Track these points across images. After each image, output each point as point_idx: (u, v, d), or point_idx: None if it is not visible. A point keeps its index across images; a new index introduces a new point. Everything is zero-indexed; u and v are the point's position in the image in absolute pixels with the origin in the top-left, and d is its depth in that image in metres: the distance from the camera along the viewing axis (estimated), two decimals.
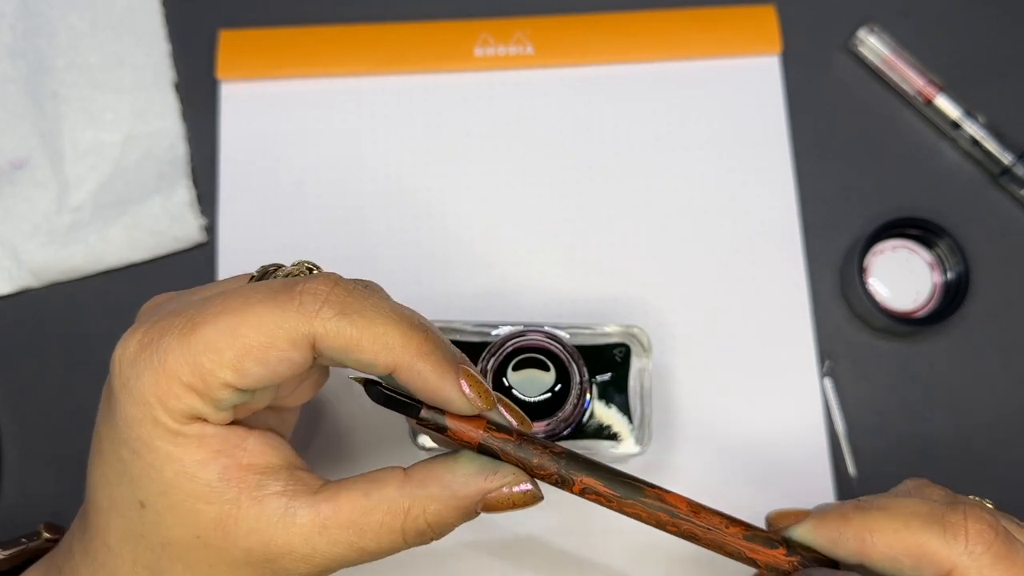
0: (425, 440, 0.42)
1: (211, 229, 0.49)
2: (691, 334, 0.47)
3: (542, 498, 0.31)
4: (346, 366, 0.30)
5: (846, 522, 0.32)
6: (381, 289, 0.32)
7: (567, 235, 0.48)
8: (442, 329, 0.41)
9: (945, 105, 0.49)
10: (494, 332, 0.41)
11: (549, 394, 0.38)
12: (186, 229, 0.48)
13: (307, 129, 0.50)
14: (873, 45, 0.50)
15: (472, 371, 0.31)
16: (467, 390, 0.30)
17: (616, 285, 0.47)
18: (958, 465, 0.46)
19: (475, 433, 0.31)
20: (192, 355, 0.28)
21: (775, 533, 0.33)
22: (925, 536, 0.30)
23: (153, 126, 0.50)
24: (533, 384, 0.38)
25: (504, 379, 0.38)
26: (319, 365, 0.35)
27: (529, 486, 0.31)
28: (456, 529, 0.32)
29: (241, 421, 0.32)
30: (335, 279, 0.30)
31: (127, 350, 0.29)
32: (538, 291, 0.47)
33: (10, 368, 0.48)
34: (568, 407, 0.37)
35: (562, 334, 0.40)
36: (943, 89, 0.49)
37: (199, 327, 0.29)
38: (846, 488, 0.45)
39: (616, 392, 0.41)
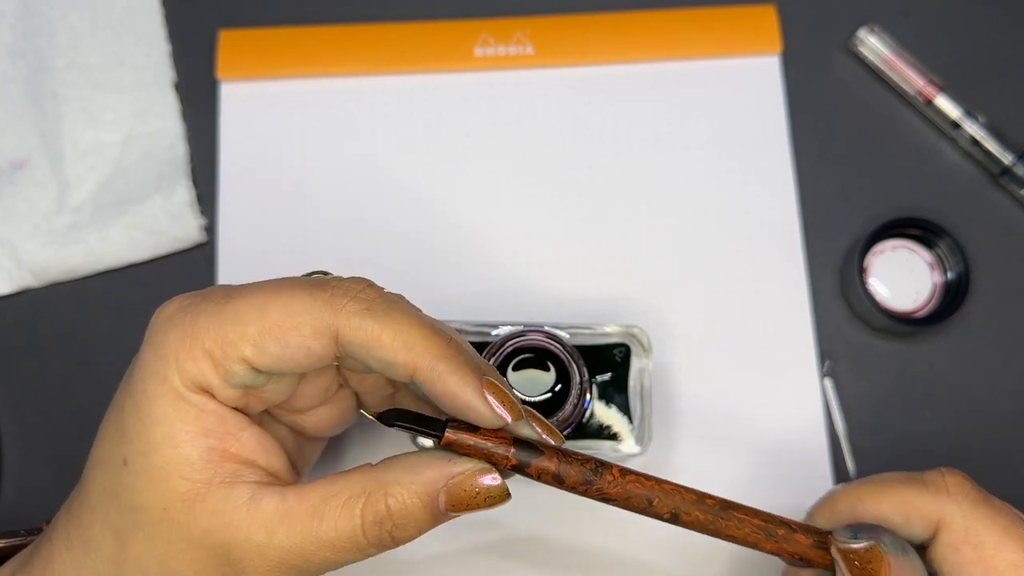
0: (424, 440, 0.42)
1: (211, 229, 0.49)
2: (691, 334, 0.47)
3: (510, 497, 0.30)
4: (369, 366, 0.30)
5: (836, 500, 0.35)
6: (407, 300, 0.31)
7: (567, 235, 0.48)
8: None
9: (945, 105, 0.49)
10: (494, 332, 0.41)
11: (549, 394, 0.38)
12: (186, 229, 0.48)
13: (307, 129, 0.50)
14: (873, 45, 0.50)
15: (497, 382, 0.30)
16: (491, 399, 0.29)
17: (616, 285, 0.47)
18: (958, 465, 0.46)
19: (505, 451, 0.30)
20: (220, 323, 0.29)
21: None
22: (910, 493, 0.33)
23: (153, 126, 0.50)
24: (533, 384, 0.38)
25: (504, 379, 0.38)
26: (347, 395, 0.36)
27: (496, 480, 0.30)
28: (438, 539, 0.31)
29: (250, 416, 0.31)
30: (368, 282, 0.30)
31: (166, 309, 0.30)
32: (538, 291, 0.47)
33: (10, 368, 0.48)
34: (568, 407, 0.37)
35: (562, 334, 0.40)
36: (943, 89, 0.49)
37: (234, 299, 0.30)
38: None
39: (616, 392, 0.41)
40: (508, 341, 0.38)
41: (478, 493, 0.29)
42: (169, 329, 0.30)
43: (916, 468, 0.45)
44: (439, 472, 0.29)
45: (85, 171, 0.49)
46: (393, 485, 0.29)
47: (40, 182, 0.49)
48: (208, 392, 0.30)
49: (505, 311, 0.47)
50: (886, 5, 0.51)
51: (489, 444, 0.30)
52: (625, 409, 0.41)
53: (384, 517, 0.29)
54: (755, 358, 0.46)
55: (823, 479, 0.45)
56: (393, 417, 0.30)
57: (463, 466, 0.29)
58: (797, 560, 0.33)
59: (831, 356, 0.47)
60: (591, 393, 0.40)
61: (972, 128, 0.49)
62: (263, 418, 0.34)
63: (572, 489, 0.31)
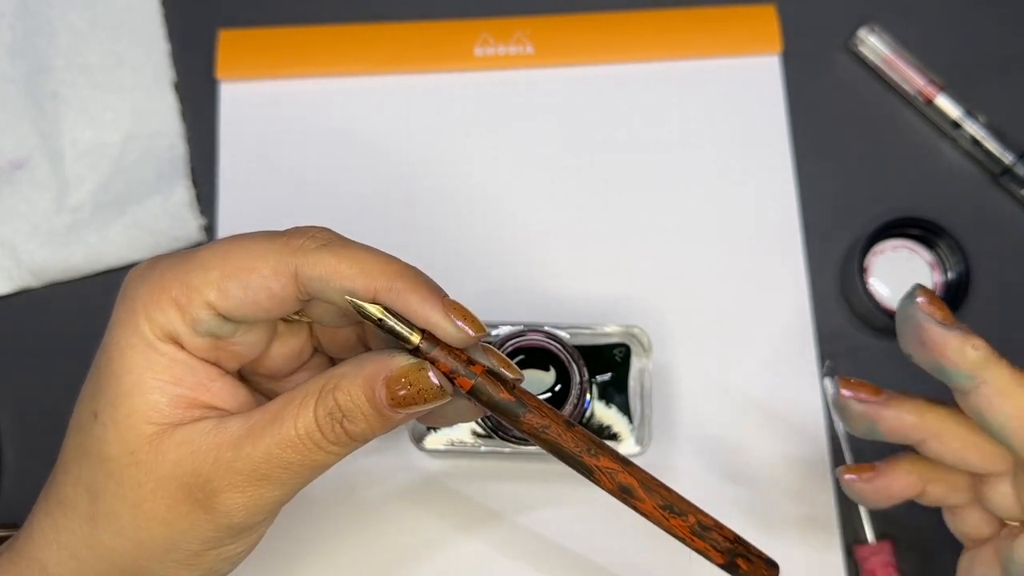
0: (427, 441, 0.42)
1: (210, 229, 0.49)
2: (691, 334, 0.47)
3: (446, 396, 0.30)
4: (332, 301, 0.30)
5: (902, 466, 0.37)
6: None
7: (567, 235, 0.48)
8: None
9: (946, 105, 0.49)
10: (494, 332, 0.41)
11: (549, 394, 0.38)
12: (185, 229, 0.48)
13: (307, 129, 0.50)
14: (873, 45, 0.50)
15: (459, 303, 0.30)
16: (452, 315, 0.30)
17: (616, 285, 0.47)
18: None
19: (468, 372, 0.30)
20: (185, 271, 0.30)
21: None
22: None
23: (153, 126, 0.50)
24: (533, 384, 0.38)
25: None
26: (323, 361, 0.36)
27: (434, 378, 0.30)
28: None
29: (224, 369, 0.32)
30: (326, 228, 0.31)
31: (139, 266, 0.31)
32: (538, 291, 0.47)
33: (10, 368, 0.47)
34: (568, 407, 0.37)
35: (562, 334, 0.40)
36: (943, 89, 0.49)
37: (199, 251, 0.31)
38: None
39: (616, 392, 0.41)
40: (508, 341, 0.38)
41: (411, 385, 0.30)
42: (139, 283, 0.30)
43: None
44: (379, 365, 0.30)
45: (85, 171, 0.49)
46: (340, 379, 0.30)
47: (40, 182, 0.49)
48: (177, 342, 0.30)
49: (505, 311, 0.47)
50: (886, 5, 0.51)
51: (454, 361, 0.30)
52: (625, 409, 0.41)
53: (334, 409, 0.30)
54: (755, 358, 0.46)
55: (823, 479, 0.45)
56: (373, 314, 0.30)
57: (400, 360, 0.30)
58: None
59: (831, 356, 0.47)
60: (591, 393, 0.40)
61: (972, 128, 0.49)
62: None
63: (526, 428, 0.31)
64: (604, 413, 0.41)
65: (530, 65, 0.50)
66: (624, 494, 0.31)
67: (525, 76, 0.50)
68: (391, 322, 0.30)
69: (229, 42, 0.51)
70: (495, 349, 0.32)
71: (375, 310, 0.29)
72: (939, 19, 0.51)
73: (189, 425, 0.30)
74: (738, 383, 0.46)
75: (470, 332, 0.30)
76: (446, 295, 0.30)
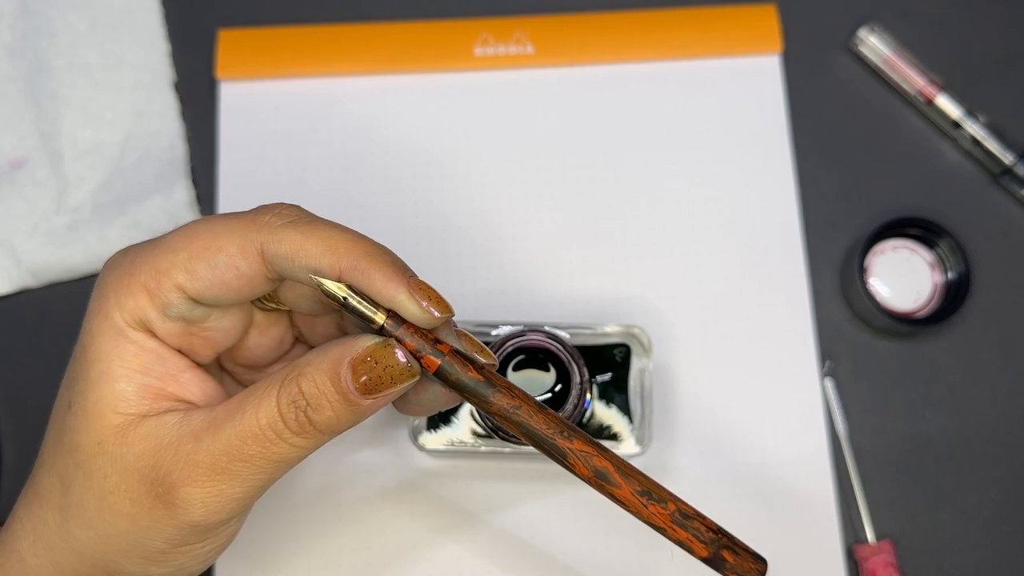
0: (425, 440, 0.42)
1: None
2: (691, 334, 0.47)
3: (415, 376, 0.29)
4: (298, 279, 0.30)
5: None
6: None
7: (567, 235, 0.48)
8: None
9: (946, 105, 0.49)
10: (494, 332, 0.41)
11: (549, 394, 0.38)
12: None
13: (306, 129, 0.50)
14: (874, 45, 0.50)
15: (426, 283, 0.30)
16: (418, 295, 0.29)
17: (616, 285, 0.47)
18: (958, 465, 0.46)
19: (435, 353, 0.29)
20: (153, 255, 0.30)
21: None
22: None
23: (152, 126, 0.50)
24: (533, 384, 0.38)
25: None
26: (305, 351, 0.35)
27: (402, 356, 0.29)
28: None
29: (199, 363, 0.31)
30: (295, 204, 0.31)
31: (113, 256, 0.31)
32: (538, 291, 0.47)
33: (10, 368, 0.47)
34: (568, 407, 0.37)
35: (562, 334, 0.40)
36: (944, 89, 0.49)
37: (168, 235, 0.31)
38: (846, 488, 0.45)
39: (616, 392, 0.41)
40: (508, 341, 0.38)
41: (376, 363, 0.29)
42: (112, 270, 0.30)
43: (916, 468, 0.45)
44: (344, 349, 0.29)
45: (84, 171, 0.49)
46: (305, 367, 0.29)
47: (39, 182, 0.49)
48: (148, 329, 0.30)
49: (505, 311, 0.47)
50: (887, 5, 0.51)
51: (421, 340, 0.29)
52: (625, 409, 0.41)
53: (298, 396, 0.29)
54: (755, 358, 0.46)
55: (824, 479, 0.45)
56: (337, 294, 0.29)
57: (365, 341, 0.29)
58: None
59: (831, 356, 0.47)
60: (591, 393, 0.40)
61: (973, 128, 0.49)
62: (223, 379, 0.35)
63: (496, 410, 0.30)
64: (604, 413, 0.41)
65: (530, 65, 0.50)
66: (599, 480, 0.30)
67: (525, 76, 0.50)
68: (354, 301, 0.29)
69: (229, 42, 0.51)
70: (467, 332, 0.31)
71: (338, 288, 0.29)
72: (939, 19, 0.51)
73: (155, 417, 0.30)
74: (738, 383, 0.46)
75: (435, 313, 0.29)
76: (413, 275, 0.30)
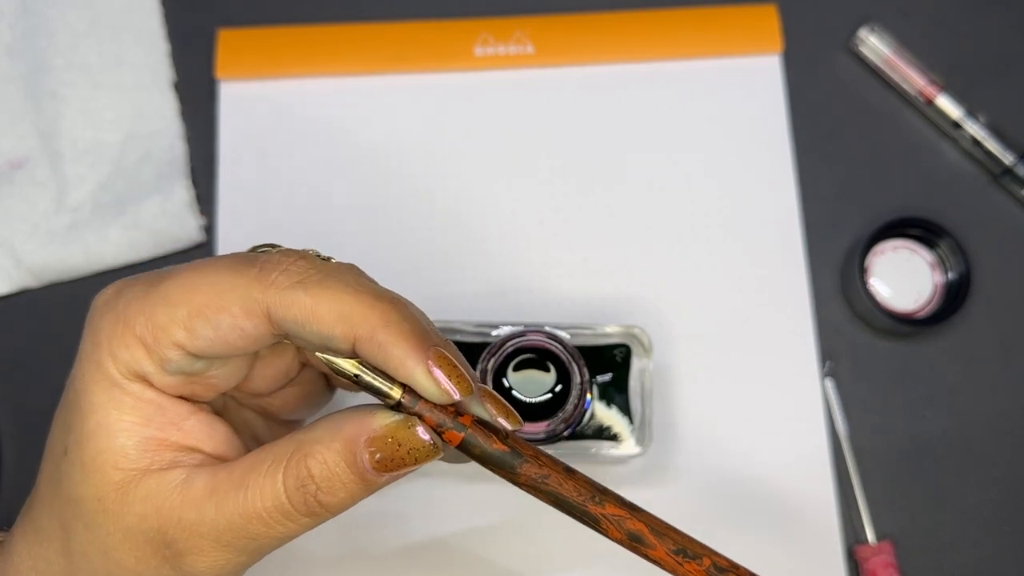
0: None
1: (210, 229, 0.49)
2: (691, 334, 0.47)
3: (438, 452, 0.28)
4: (309, 343, 0.28)
5: None
6: (362, 272, 0.30)
7: (567, 235, 0.48)
8: (442, 329, 0.41)
9: (946, 105, 0.49)
10: (494, 332, 0.41)
11: (549, 394, 0.38)
12: (185, 229, 0.48)
13: (306, 129, 0.50)
14: (874, 45, 0.50)
15: (449, 354, 0.27)
16: (438, 373, 0.27)
17: (616, 285, 0.47)
18: (958, 465, 0.46)
19: (457, 425, 0.28)
20: (150, 306, 0.28)
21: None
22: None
23: (152, 126, 0.50)
24: (533, 384, 0.38)
25: (504, 379, 0.38)
26: (314, 374, 0.34)
27: (424, 434, 0.27)
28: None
29: (200, 403, 0.30)
30: (303, 253, 0.28)
31: (104, 294, 0.29)
32: (538, 291, 0.47)
33: (10, 368, 0.47)
34: (568, 407, 0.37)
35: (562, 334, 0.40)
36: (944, 89, 0.49)
37: (164, 280, 0.28)
38: (846, 488, 0.45)
39: (616, 392, 0.41)
40: (508, 341, 0.38)
41: (399, 447, 0.27)
42: (104, 314, 0.28)
43: (916, 468, 0.45)
44: (359, 426, 0.27)
45: (84, 171, 0.49)
46: (314, 445, 0.27)
47: (39, 182, 0.49)
48: (145, 380, 0.28)
49: (505, 311, 0.47)
50: (887, 5, 0.51)
51: (441, 414, 0.28)
52: (626, 410, 0.41)
53: (306, 480, 0.27)
54: (756, 358, 0.46)
55: (824, 479, 0.45)
56: (348, 372, 0.27)
57: (384, 419, 0.27)
58: None
59: (832, 356, 0.47)
60: (591, 393, 0.40)
61: (973, 128, 0.48)
62: (227, 403, 0.33)
63: (524, 481, 0.29)
64: (604, 413, 0.41)
65: (530, 65, 0.50)
66: (634, 543, 0.29)
67: (525, 76, 0.50)
68: (368, 378, 0.27)
69: (229, 42, 0.51)
70: (491, 391, 0.29)
71: (350, 366, 0.27)
72: (939, 19, 0.51)
73: (156, 475, 0.28)
74: (738, 383, 0.46)
75: (455, 394, 0.27)
76: (434, 343, 0.28)
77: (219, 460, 0.29)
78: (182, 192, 0.48)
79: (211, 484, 0.28)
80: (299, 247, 0.47)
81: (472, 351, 0.40)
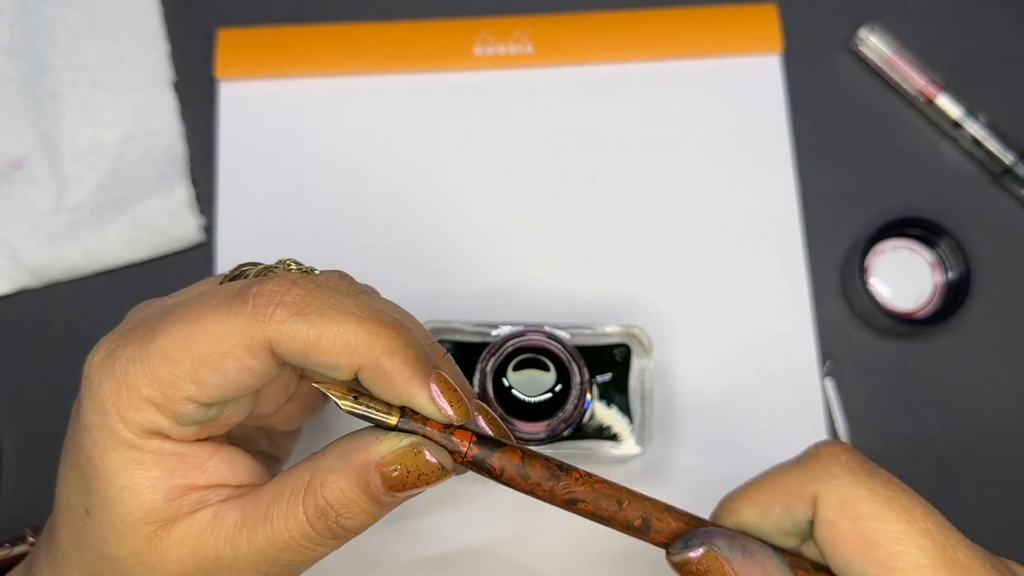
0: None
1: (210, 229, 0.49)
2: (691, 334, 0.47)
3: (451, 471, 0.28)
4: (313, 370, 0.28)
5: (721, 510, 0.31)
6: (352, 282, 0.30)
7: (567, 235, 0.48)
8: (442, 329, 0.41)
9: (946, 105, 0.49)
10: (494, 332, 0.41)
11: (549, 394, 0.38)
12: (185, 229, 0.48)
13: (306, 128, 0.50)
14: (874, 44, 0.50)
15: (448, 377, 0.28)
16: (437, 395, 0.28)
17: (616, 285, 0.47)
18: (958, 465, 0.46)
19: (460, 445, 0.28)
20: (151, 367, 0.27)
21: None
22: (783, 476, 0.30)
23: (152, 125, 0.50)
24: (533, 384, 0.38)
25: (504, 379, 0.38)
26: (310, 386, 0.34)
27: (430, 457, 0.28)
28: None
29: (215, 438, 0.30)
30: (293, 279, 0.28)
31: (96, 355, 0.29)
32: (538, 291, 0.47)
33: (9, 368, 0.47)
34: (568, 407, 0.37)
35: (562, 334, 0.40)
36: (944, 88, 0.49)
37: (157, 336, 0.28)
38: None
39: (616, 392, 0.41)
40: (508, 341, 0.38)
41: (409, 473, 0.27)
42: (102, 380, 0.28)
43: (916, 468, 0.45)
44: (367, 454, 0.27)
45: (84, 171, 0.49)
46: (327, 474, 0.28)
47: (39, 182, 0.49)
48: (162, 435, 0.28)
49: (505, 311, 0.47)
50: (887, 4, 0.51)
51: (438, 435, 0.28)
52: (625, 409, 0.41)
53: (326, 508, 0.28)
54: (756, 358, 0.46)
55: None
56: (347, 400, 0.28)
57: (389, 445, 0.28)
58: None
59: (832, 356, 0.47)
60: (591, 393, 0.40)
61: (973, 128, 0.48)
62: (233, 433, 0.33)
63: (534, 490, 0.29)
64: (604, 413, 0.41)
65: (530, 64, 0.50)
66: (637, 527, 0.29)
67: (525, 75, 0.50)
68: (362, 410, 0.28)
69: (228, 41, 0.51)
70: (484, 407, 0.30)
71: (347, 404, 0.28)
72: (939, 19, 0.51)
73: (186, 519, 0.28)
74: (738, 383, 0.46)
75: (453, 417, 0.28)
76: (434, 365, 0.28)
77: (245, 489, 0.30)
78: (182, 192, 0.48)
79: (239, 519, 0.28)
80: (299, 247, 0.48)
81: (472, 351, 0.40)
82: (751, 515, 0.30)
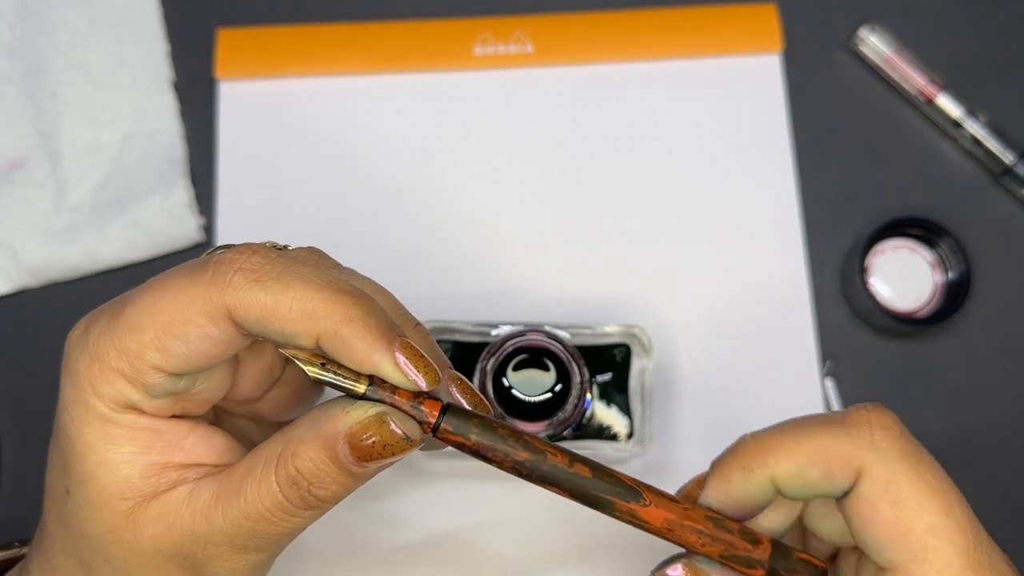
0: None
1: (209, 229, 0.49)
2: (691, 334, 0.47)
3: (419, 442, 0.28)
4: (273, 340, 0.28)
5: (745, 452, 0.29)
6: (323, 256, 0.30)
7: (567, 235, 0.48)
8: (442, 329, 0.41)
9: (946, 104, 0.49)
10: (494, 332, 0.41)
11: (549, 394, 0.38)
12: (184, 229, 0.48)
13: (306, 128, 0.50)
14: (874, 44, 0.50)
15: (416, 344, 0.28)
16: (404, 363, 0.27)
17: (616, 285, 0.47)
18: (958, 465, 0.46)
19: (425, 414, 0.28)
20: (118, 336, 0.27)
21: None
22: (828, 439, 0.28)
23: (151, 125, 0.50)
24: (533, 384, 0.38)
25: (504, 379, 0.38)
26: (298, 371, 0.34)
27: (395, 427, 0.27)
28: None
29: (194, 417, 0.30)
30: (255, 248, 0.28)
31: (74, 332, 0.29)
32: (538, 291, 0.47)
33: (9, 368, 0.47)
34: (568, 407, 0.37)
35: (562, 334, 0.40)
36: (944, 88, 0.49)
37: (126, 307, 0.28)
38: None
39: (616, 392, 0.41)
40: (508, 341, 0.38)
41: (375, 442, 0.27)
42: (78, 355, 0.28)
43: None
44: (335, 424, 0.27)
45: (83, 170, 0.49)
46: (298, 444, 0.27)
47: (38, 182, 0.49)
48: (136, 409, 0.28)
49: (505, 311, 0.47)
50: (887, 4, 0.51)
51: (406, 404, 0.27)
52: (625, 409, 0.41)
53: (297, 478, 0.27)
54: (756, 358, 0.46)
55: None
56: (314, 365, 0.27)
57: (356, 415, 0.27)
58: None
59: (832, 356, 0.47)
60: (591, 393, 0.40)
61: (973, 127, 0.48)
62: (219, 415, 0.33)
63: (499, 463, 0.28)
64: (604, 413, 0.41)
65: (530, 64, 0.50)
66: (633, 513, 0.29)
67: (525, 75, 0.50)
68: (329, 377, 0.27)
69: (228, 41, 0.51)
70: (459, 376, 0.30)
71: (312, 370, 0.27)
72: (939, 19, 0.51)
73: (163, 496, 0.28)
74: (738, 383, 0.46)
75: (422, 384, 0.27)
76: (400, 334, 0.28)
77: (224, 468, 0.29)
78: (181, 192, 0.48)
79: (215, 493, 0.28)
80: (297, 247, 0.47)
81: (472, 351, 0.40)
82: (786, 471, 0.28)
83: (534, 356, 0.38)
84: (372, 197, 0.49)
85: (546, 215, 0.48)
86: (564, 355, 0.37)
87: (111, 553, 0.29)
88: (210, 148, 0.50)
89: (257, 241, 0.49)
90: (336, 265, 0.30)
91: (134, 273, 0.48)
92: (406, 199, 0.49)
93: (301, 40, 0.50)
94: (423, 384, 0.27)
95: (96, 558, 0.29)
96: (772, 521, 0.31)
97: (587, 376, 0.38)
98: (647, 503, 0.29)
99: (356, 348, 0.27)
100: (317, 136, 0.50)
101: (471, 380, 0.37)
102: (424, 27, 0.51)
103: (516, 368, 0.38)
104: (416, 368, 0.27)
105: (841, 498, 0.29)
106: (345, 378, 0.27)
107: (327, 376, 0.27)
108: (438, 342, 0.37)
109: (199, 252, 0.48)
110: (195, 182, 0.49)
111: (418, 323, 0.30)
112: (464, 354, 0.40)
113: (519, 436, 0.29)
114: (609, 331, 0.42)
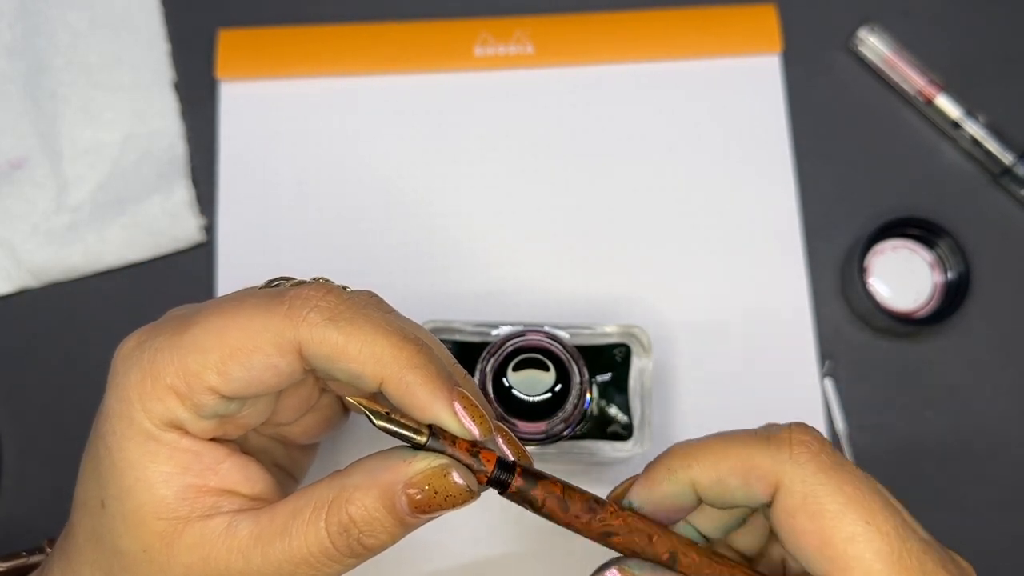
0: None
1: (210, 229, 0.49)
2: (691, 334, 0.47)
3: (473, 496, 0.28)
4: (336, 378, 0.29)
5: (672, 458, 0.30)
6: (382, 301, 0.30)
7: (567, 235, 0.48)
8: (442, 329, 0.41)
9: (946, 105, 0.49)
10: (494, 332, 0.41)
11: (549, 394, 0.38)
12: (185, 229, 0.48)
13: (306, 129, 0.50)
14: (874, 45, 0.50)
15: (470, 393, 0.29)
16: (461, 412, 0.28)
17: (616, 285, 0.47)
18: (958, 465, 0.46)
19: (482, 465, 0.29)
20: (180, 355, 0.28)
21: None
22: (750, 451, 0.29)
23: (152, 125, 0.50)
24: (533, 384, 0.38)
25: (504, 379, 0.38)
26: (331, 399, 0.35)
27: (458, 479, 0.28)
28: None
29: (228, 441, 0.30)
30: (329, 287, 0.29)
31: (126, 345, 0.29)
32: (538, 291, 0.47)
33: (10, 368, 0.47)
34: (568, 407, 0.37)
35: (562, 334, 0.40)
36: (944, 89, 0.49)
37: (191, 327, 0.28)
38: None
39: (616, 392, 0.41)
40: (508, 341, 0.38)
41: (436, 494, 0.28)
42: (128, 368, 0.28)
43: (916, 468, 0.45)
44: (396, 474, 0.28)
45: (84, 170, 0.49)
46: (353, 491, 0.28)
47: (39, 182, 0.49)
48: (180, 428, 0.29)
49: (505, 311, 0.47)
50: (887, 5, 0.51)
51: (467, 457, 0.28)
52: (625, 410, 0.41)
53: (349, 525, 0.28)
54: (755, 358, 0.46)
55: None
56: (380, 416, 0.28)
57: (419, 466, 0.28)
58: None
59: (831, 356, 0.47)
60: (591, 393, 0.40)
61: (972, 128, 0.49)
62: (247, 434, 0.33)
63: (572, 522, 0.29)
64: (604, 413, 0.41)
65: (530, 65, 0.50)
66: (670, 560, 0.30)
67: (525, 76, 0.50)
68: (394, 427, 0.28)
69: (229, 42, 0.51)
70: (504, 428, 0.31)
71: (379, 421, 0.28)
72: (939, 19, 0.51)
73: (199, 524, 0.28)
74: (738, 383, 0.46)
75: (476, 433, 0.28)
76: (456, 383, 0.29)
77: (256, 501, 0.30)
78: (182, 192, 0.48)
79: (255, 531, 0.28)
80: (299, 247, 0.48)
81: (472, 351, 0.40)
82: (706, 478, 0.30)
83: (534, 356, 0.38)
84: (372, 198, 0.49)
85: (546, 215, 0.48)
86: (564, 355, 0.37)
87: (140, 572, 0.29)
88: (211, 148, 0.50)
89: (257, 240, 0.49)
90: (392, 310, 0.31)
91: (134, 273, 0.48)
92: (406, 199, 0.49)
93: (302, 41, 0.51)
94: (477, 434, 0.28)
95: (125, 575, 0.29)
96: (745, 543, 0.32)
97: (587, 376, 0.38)
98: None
99: (418, 395, 0.28)
100: (318, 136, 0.50)
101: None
102: (424, 28, 0.51)
103: (516, 368, 0.38)
104: (471, 418, 0.28)
105: (767, 512, 0.30)
106: (407, 428, 0.28)
107: (392, 427, 0.28)
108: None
109: (200, 252, 0.48)
110: (196, 182, 0.49)
111: (466, 373, 0.31)
112: (464, 354, 0.40)
113: (584, 496, 0.30)
114: (609, 331, 0.42)
